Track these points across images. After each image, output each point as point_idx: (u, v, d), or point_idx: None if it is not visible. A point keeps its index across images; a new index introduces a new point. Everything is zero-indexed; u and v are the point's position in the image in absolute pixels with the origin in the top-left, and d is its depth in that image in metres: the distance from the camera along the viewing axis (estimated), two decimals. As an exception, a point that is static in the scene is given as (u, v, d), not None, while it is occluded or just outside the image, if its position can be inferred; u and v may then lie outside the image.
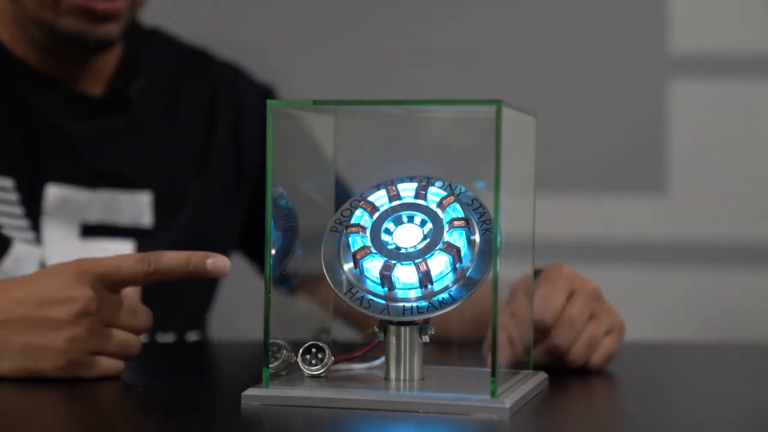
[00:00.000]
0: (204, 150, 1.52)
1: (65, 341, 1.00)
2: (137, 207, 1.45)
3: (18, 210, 1.39)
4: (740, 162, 1.99)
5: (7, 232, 1.38)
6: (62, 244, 1.40)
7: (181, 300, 1.49)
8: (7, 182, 1.39)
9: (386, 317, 0.93)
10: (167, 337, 1.47)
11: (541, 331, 1.09)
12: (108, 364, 1.03)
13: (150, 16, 1.59)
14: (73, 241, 1.41)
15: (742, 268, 1.99)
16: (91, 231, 1.43)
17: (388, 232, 0.95)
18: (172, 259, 1.02)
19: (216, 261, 1.01)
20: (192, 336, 1.50)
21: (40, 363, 1.00)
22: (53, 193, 1.40)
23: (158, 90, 1.51)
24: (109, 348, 1.03)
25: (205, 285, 1.54)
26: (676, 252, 2.00)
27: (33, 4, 1.37)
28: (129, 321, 1.04)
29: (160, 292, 1.47)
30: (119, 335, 1.03)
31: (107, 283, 1.02)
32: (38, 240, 1.39)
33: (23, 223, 1.39)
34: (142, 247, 1.44)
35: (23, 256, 1.38)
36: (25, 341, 1.00)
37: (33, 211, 1.40)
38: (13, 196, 1.39)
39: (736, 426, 0.92)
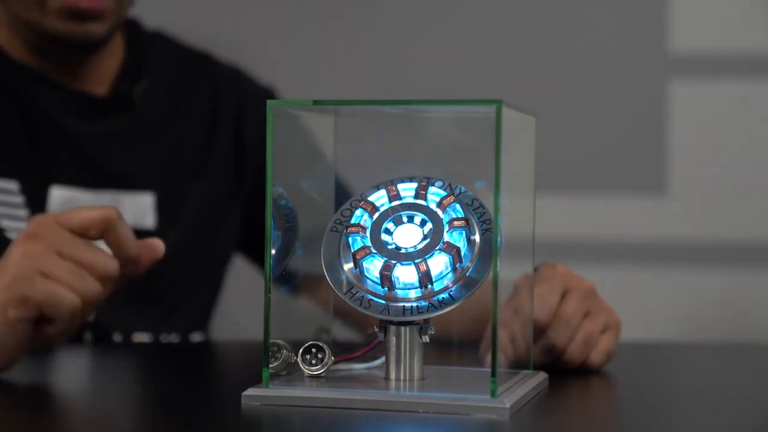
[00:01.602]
0: (206, 151, 1.52)
1: (16, 257, 1.01)
2: (140, 208, 1.45)
3: (23, 212, 1.39)
4: (740, 162, 1.99)
5: (11, 236, 1.37)
6: None
7: (185, 301, 1.49)
8: (12, 185, 1.39)
9: (386, 317, 0.93)
10: (171, 338, 1.46)
11: (537, 330, 1.09)
12: (58, 291, 1.01)
13: (152, 18, 1.59)
14: None
15: (742, 268, 1.99)
16: None
17: (388, 232, 0.95)
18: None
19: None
20: (196, 337, 1.50)
21: None
22: (58, 194, 1.40)
23: (160, 92, 1.51)
24: (62, 276, 1.01)
25: (209, 286, 1.54)
26: (676, 252, 2.00)
27: (18, 5, 1.37)
28: (87, 257, 1.03)
29: (164, 292, 1.47)
30: (74, 268, 1.02)
31: (66, 226, 1.03)
32: None
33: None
34: None
35: None
36: None
37: (37, 213, 1.39)
38: (18, 199, 1.39)
39: (736, 426, 0.92)
